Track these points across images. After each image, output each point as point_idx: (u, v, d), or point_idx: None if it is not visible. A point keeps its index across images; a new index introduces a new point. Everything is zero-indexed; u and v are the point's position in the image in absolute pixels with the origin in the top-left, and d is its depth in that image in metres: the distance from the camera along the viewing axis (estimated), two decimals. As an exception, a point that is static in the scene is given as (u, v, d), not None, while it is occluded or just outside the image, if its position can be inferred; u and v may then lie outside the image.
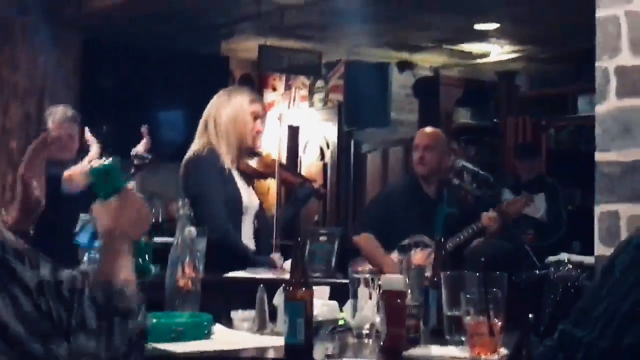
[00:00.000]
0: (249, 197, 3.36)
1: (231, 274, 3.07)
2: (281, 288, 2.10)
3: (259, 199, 3.49)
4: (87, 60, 6.48)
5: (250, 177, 3.46)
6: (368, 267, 2.34)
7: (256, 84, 8.18)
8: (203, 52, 7.19)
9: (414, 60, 7.71)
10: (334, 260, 3.09)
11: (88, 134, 3.97)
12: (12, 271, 1.17)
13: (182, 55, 7.03)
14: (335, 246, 3.12)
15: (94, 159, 3.90)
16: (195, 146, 3.35)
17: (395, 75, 7.46)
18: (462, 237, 3.82)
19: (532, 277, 3.23)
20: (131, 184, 1.49)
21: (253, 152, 3.44)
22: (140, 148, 3.70)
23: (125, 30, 6.45)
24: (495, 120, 7.42)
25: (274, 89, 8.27)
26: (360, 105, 7.06)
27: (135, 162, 3.75)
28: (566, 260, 3.22)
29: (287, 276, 2.88)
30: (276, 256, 3.28)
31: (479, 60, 7.68)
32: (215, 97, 3.43)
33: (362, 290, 2.05)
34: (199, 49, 7.12)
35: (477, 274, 1.90)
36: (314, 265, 3.03)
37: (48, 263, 1.23)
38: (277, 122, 8.11)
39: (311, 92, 8.05)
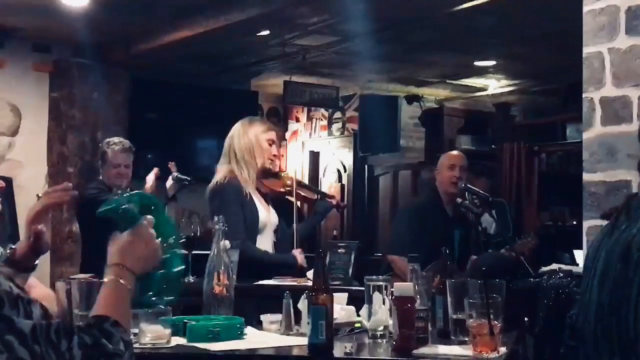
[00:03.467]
0: (267, 215, 3.37)
1: (260, 282, 3.07)
2: (305, 294, 2.10)
3: (279, 216, 3.48)
4: (135, 96, 6.53)
5: (271, 196, 3.45)
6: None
7: (282, 116, 8.22)
8: (235, 88, 7.23)
9: (420, 94, 7.72)
10: (351, 269, 3.07)
11: (152, 174, 3.93)
12: (10, 322, 1.12)
13: (217, 91, 7.08)
14: (352, 257, 3.10)
15: (151, 186, 3.89)
16: (218, 174, 3.36)
17: (404, 107, 7.47)
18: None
19: (527, 284, 3.20)
20: (147, 218, 1.41)
21: (273, 174, 3.44)
22: (169, 182, 3.72)
23: (167, 69, 6.52)
24: (493, 146, 7.38)
25: (297, 120, 8.30)
26: (373, 133, 7.06)
27: (175, 183, 3.78)
28: (557, 270, 3.20)
29: (310, 283, 2.92)
30: (297, 251, 3.29)
31: (478, 94, 7.68)
32: (233, 129, 3.43)
33: (377, 296, 2.04)
34: (232, 85, 7.17)
35: (479, 282, 1.89)
36: (333, 274, 3.02)
37: (39, 308, 1.16)
38: (300, 149, 8.14)
39: (330, 122, 8.07)
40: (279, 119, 8.18)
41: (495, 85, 7.41)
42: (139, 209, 1.44)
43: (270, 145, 3.39)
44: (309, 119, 8.20)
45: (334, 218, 6.97)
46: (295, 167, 7.97)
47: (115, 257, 1.35)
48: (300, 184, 3.65)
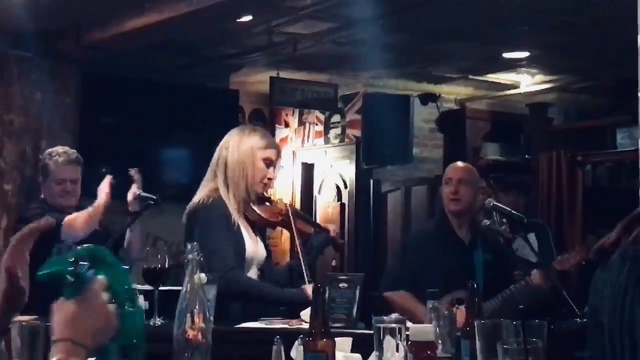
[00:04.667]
0: (254, 249, 3.39)
1: (244, 325, 3.05)
2: (299, 339, 2.09)
3: (268, 249, 3.50)
4: (87, 96, 6.53)
5: (259, 226, 3.47)
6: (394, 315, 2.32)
7: (267, 120, 8.23)
8: (210, 85, 7.25)
9: (437, 92, 7.75)
10: (355, 308, 3.06)
11: (106, 183, 3.94)
12: None
13: (187, 90, 7.09)
14: (357, 293, 3.09)
15: (101, 206, 3.89)
16: (200, 193, 3.37)
17: (418, 108, 7.49)
18: (506, 297, 3.77)
19: (572, 325, 3.19)
20: (99, 280, 1.41)
21: (263, 198, 3.46)
22: (130, 194, 3.72)
23: (128, 63, 6.52)
24: (527, 156, 7.40)
25: (287, 125, 8.31)
26: (379, 141, 7.08)
27: (136, 204, 3.77)
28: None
29: (305, 326, 2.91)
30: (309, 287, 3.27)
31: (508, 92, 7.70)
32: (226, 137, 3.45)
33: (388, 342, 2.03)
34: (205, 82, 7.19)
35: (515, 322, 1.88)
36: (333, 315, 3.01)
37: None
38: (290, 160, 8.14)
39: (327, 128, 8.08)
40: (264, 124, 8.19)
41: (528, 82, 7.44)
42: (88, 267, 1.43)
43: (267, 165, 3.40)
44: (301, 123, 8.21)
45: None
46: (284, 182, 7.97)
47: (62, 331, 1.36)
48: (296, 213, 3.66)
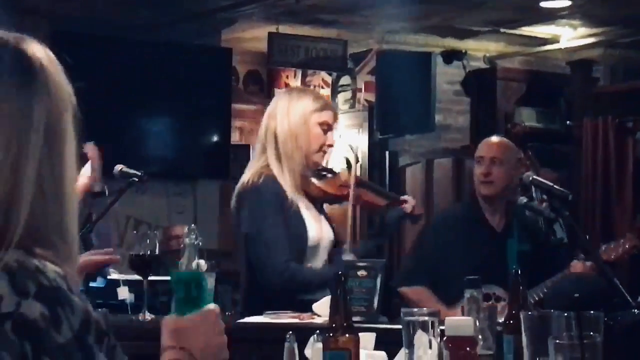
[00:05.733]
0: (319, 232, 3.38)
1: (248, 319, 3.07)
2: (314, 335, 2.10)
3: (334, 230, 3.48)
4: (56, 57, 6.51)
5: (321, 203, 3.46)
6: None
7: (265, 83, 8.22)
8: (199, 43, 7.23)
9: (463, 49, 7.72)
10: (376, 299, 3.07)
11: (90, 146, 3.94)
12: None
13: (172, 49, 7.09)
14: (378, 282, 3.10)
15: (89, 176, 3.88)
16: (249, 171, 3.37)
17: (441, 67, 7.46)
18: (545, 289, 3.78)
19: (629, 317, 3.21)
20: (216, 307, 1.49)
21: (323, 170, 3.45)
22: (83, 177, 3.70)
23: (103, 18, 6.50)
24: (568, 122, 7.39)
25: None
26: (396, 106, 7.06)
27: (97, 186, 3.77)
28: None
29: (318, 320, 2.92)
30: None
31: (546, 47, 7.69)
32: (272, 104, 3.44)
33: (420, 337, 2.03)
34: (193, 40, 7.17)
35: (568, 314, 1.88)
36: (352, 307, 3.02)
37: None
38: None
39: (334, 91, 8.08)
40: (261, 88, 8.18)
41: (569, 36, 7.41)
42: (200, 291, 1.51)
43: (325, 131, 3.38)
44: (305, 86, 8.20)
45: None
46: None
47: (177, 339, 1.43)
48: (362, 183, 3.64)
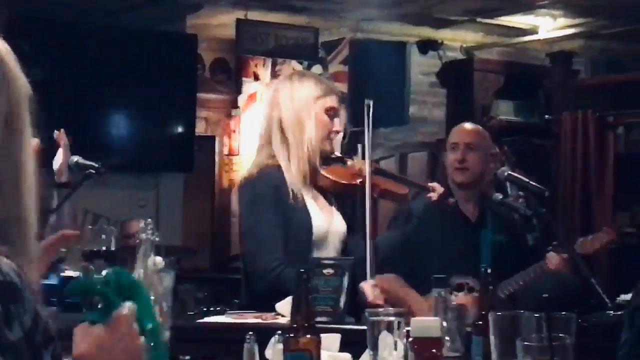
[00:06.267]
0: (328, 223, 3.38)
1: (209, 319, 3.07)
2: (275, 336, 2.10)
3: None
4: (11, 44, 6.46)
5: (334, 194, 3.46)
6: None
7: (233, 71, 8.20)
8: (163, 29, 7.20)
9: (439, 39, 7.74)
10: (343, 299, 3.08)
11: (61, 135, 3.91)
12: None
13: (135, 35, 7.05)
14: (345, 281, 3.10)
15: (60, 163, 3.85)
16: (252, 163, 3.42)
17: (416, 58, 7.48)
18: (520, 283, 3.79)
19: (604, 319, 3.23)
20: (129, 308, 1.47)
21: (333, 159, 3.44)
22: (57, 162, 3.68)
23: (61, 3, 6.46)
24: (546, 116, 7.43)
25: (256, 78, 8.29)
26: (369, 97, 7.07)
27: (66, 174, 3.74)
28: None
29: (281, 320, 2.92)
30: (367, 284, 3.25)
31: (525, 38, 7.71)
32: (275, 88, 3.44)
33: (385, 338, 2.04)
34: (156, 25, 7.14)
35: (538, 315, 1.89)
36: (317, 307, 3.02)
37: None
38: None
39: (305, 82, 8.06)
40: (229, 76, 8.16)
41: (549, 27, 7.44)
42: (115, 293, 1.48)
43: (332, 117, 3.37)
44: (274, 76, 8.18)
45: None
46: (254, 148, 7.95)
47: (87, 358, 1.40)
48: (380, 171, 3.63)
